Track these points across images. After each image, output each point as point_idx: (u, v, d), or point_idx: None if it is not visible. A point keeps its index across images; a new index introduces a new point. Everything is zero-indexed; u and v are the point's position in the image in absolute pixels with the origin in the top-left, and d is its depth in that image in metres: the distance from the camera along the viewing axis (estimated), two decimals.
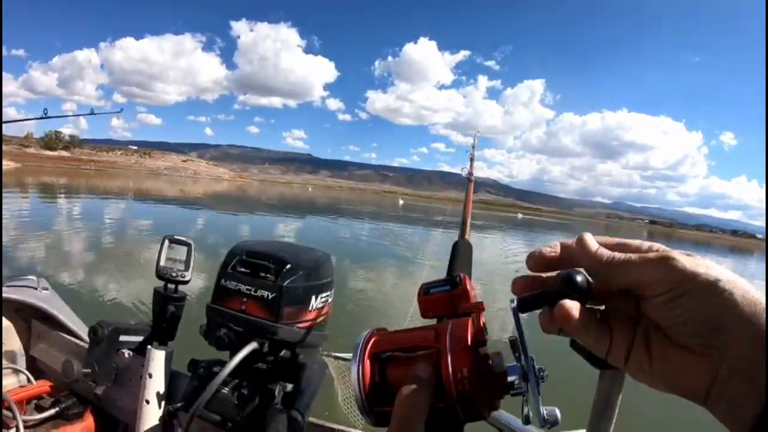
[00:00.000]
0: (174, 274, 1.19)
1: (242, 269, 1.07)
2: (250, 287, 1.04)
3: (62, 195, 25.17)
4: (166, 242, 1.21)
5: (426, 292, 0.51)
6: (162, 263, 1.20)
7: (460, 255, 1.07)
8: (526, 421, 0.40)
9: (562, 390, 3.94)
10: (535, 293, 0.40)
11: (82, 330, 1.48)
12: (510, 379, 0.42)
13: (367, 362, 0.44)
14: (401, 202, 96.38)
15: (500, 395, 0.43)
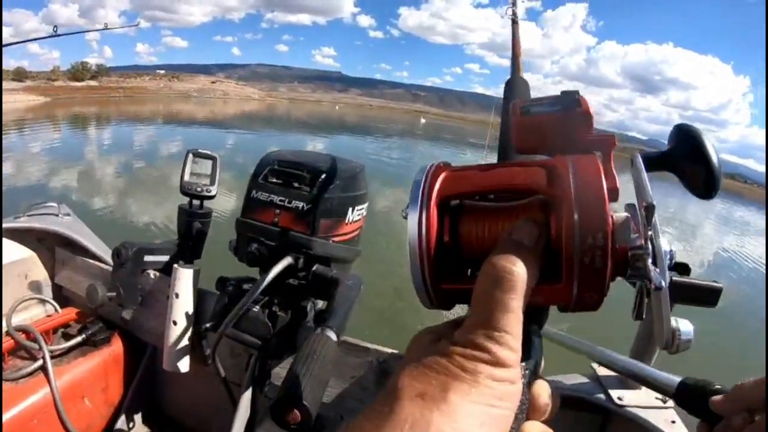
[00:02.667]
0: (199, 189, 1.12)
1: (274, 179, 0.98)
2: (283, 198, 0.96)
3: (91, 124, 25.23)
4: (190, 156, 1.13)
5: (526, 111, 0.35)
6: (186, 178, 1.12)
7: (518, 96, 0.70)
8: (638, 316, 0.31)
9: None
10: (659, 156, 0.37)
11: (106, 253, 1.43)
12: (634, 254, 0.29)
13: (434, 211, 0.30)
14: (423, 121, 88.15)
15: (613, 278, 0.31)
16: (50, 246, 1.52)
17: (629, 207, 0.30)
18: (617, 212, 0.31)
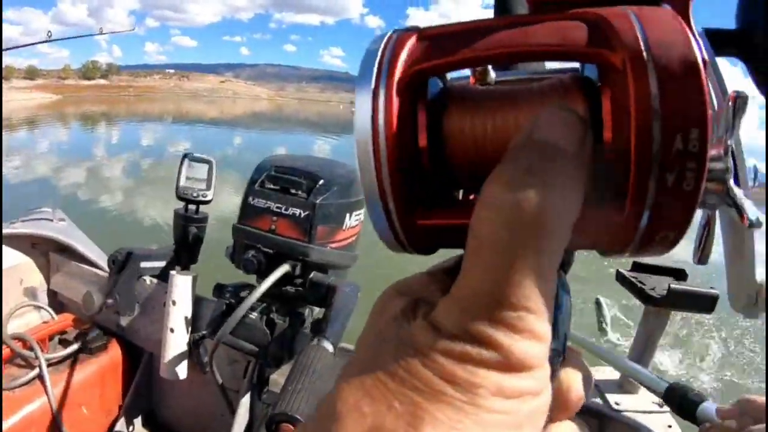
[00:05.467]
0: (195, 194, 1.11)
1: (271, 185, 0.98)
2: (280, 205, 0.95)
3: (102, 122, 25.28)
4: (186, 161, 1.12)
5: None
6: (182, 183, 1.11)
7: None
8: (702, 259, 0.21)
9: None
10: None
11: (102, 259, 1.43)
12: (712, 169, 0.18)
13: (396, 97, 0.18)
14: None
15: None
16: (45, 251, 1.51)
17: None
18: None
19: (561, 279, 0.21)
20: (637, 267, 1.18)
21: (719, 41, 0.24)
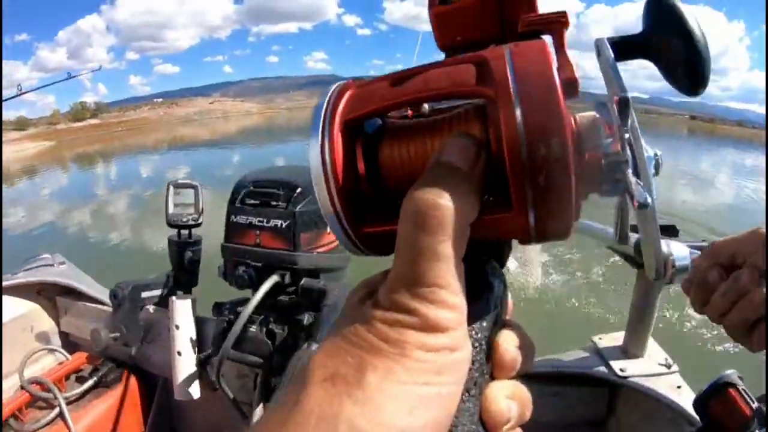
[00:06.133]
0: (185, 220, 1.14)
1: (251, 201, 1.01)
2: (261, 219, 0.98)
3: (98, 161, 25.32)
4: (171, 188, 1.16)
5: None
6: (171, 211, 1.15)
7: None
8: (622, 239, 0.24)
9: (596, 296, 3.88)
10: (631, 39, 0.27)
11: (106, 295, 1.46)
12: (609, 162, 0.24)
13: (338, 136, 0.24)
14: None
15: (583, 193, 0.26)
16: (51, 296, 1.55)
17: (598, 106, 0.24)
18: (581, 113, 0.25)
19: (493, 266, 0.26)
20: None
21: (624, 48, 0.27)
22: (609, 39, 0.27)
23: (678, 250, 0.20)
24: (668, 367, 1.10)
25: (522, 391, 0.24)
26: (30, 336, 1.48)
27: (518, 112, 0.20)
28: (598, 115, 0.24)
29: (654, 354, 1.14)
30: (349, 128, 0.24)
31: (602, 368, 1.11)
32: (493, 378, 0.24)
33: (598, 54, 0.26)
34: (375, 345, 0.19)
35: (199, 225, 1.16)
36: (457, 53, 0.26)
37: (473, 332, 0.23)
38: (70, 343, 1.54)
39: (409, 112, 0.28)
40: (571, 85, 0.22)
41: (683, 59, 0.27)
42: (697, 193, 11.43)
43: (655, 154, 0.25)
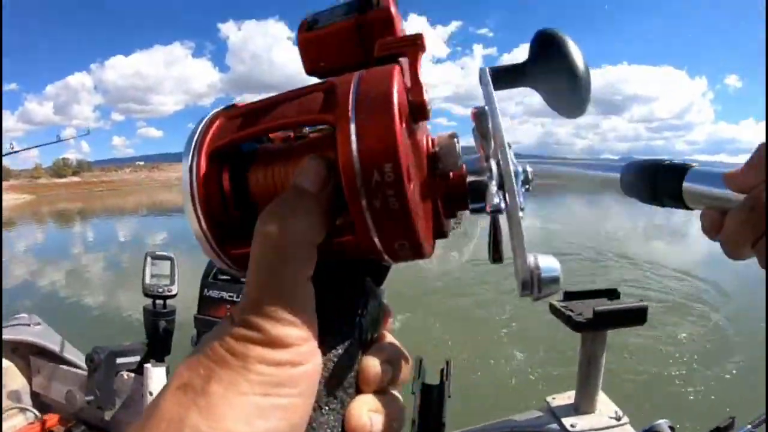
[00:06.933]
0: (160, 290, 1.19)
1: (223, 276, 1.07)
2: (232, 294, 1.05)
3: (77, 220, 24.82)
4: (149, 259, 1.21)
5: (312, 24, 0.28)
6: (147, 281, 1.20)
7: None
8: (496, 257, 0.24)
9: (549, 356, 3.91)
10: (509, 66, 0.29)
11: (80, 359, 1.49)
12: (471, 180, 0.26)
13: (204, 161, 0.25)
14: None
15: (451, 212, 0.27)
16: (24, 355, 1.57)
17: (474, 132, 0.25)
18: (441, 134, 0.26)
19: (368, 284, 0.26)
20: (568, 296, 1.21)
21: (506, 76, 0.29)
22: (491, 68, 0.28)
23: (546, 262, 0.19)
24: (618, 419, 1.14)
25: (390, 404, 0.25)
26: (2, 394, 1.49)
27: (353, 139, 0.21)
28: (454, 134, 0.26)
29: (605, 408, 1.18)
30: (215, 155, 0.25)
31: (554, 426, 1.15)
32: (360, 392, 0.24)
33: (480, 81, 0.28)
34: (222, 358, 0.20)
35: (173, 296, 1.21)
36: (324, 77, 0.28)
37: (334, 348, 0.23)
38: (41, 404, 1.55)
39: (291, 134, 0.28)
40: (418, 108, 0.23)
41: (564, 86, 0.29)
42: (674, 245, 11.63)
43: (524, 170, 0.25)
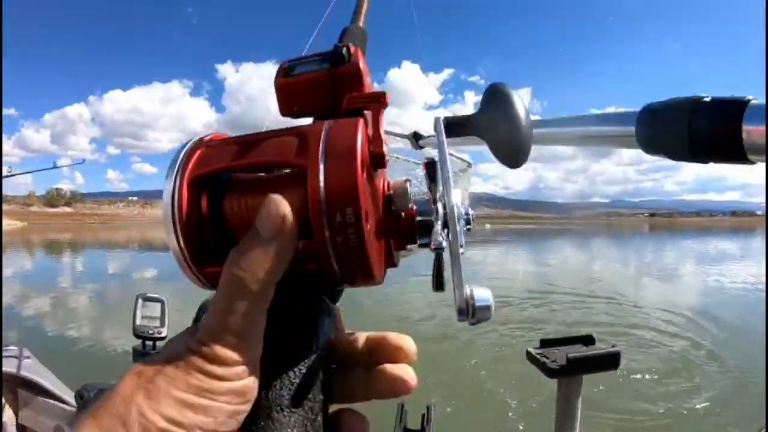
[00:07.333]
0: (150, 332, 1.22)
1: None
2: None
3: (68, 251, 24.96)
4: (140, 301, 1.25)
5: (289, 71, 0.32)
6: (138, 322, 1.23)
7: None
8: (437, 287, 0.28)
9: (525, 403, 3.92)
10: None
11: (67, 394, 1.51)
12: (420, 220, 0.29)
13: (185, 187, 0.27)
14: None
15: (401, 245, 0.31)
16: (13, 388, 1.58)
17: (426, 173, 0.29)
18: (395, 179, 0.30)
19: (322, 302, 0.29)
20: (544, 343, 1.24)
21: (457, 126, 0.32)
22: (444, 118, 0.32)
23: (480, 293, 0.24)
24: None
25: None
26: None
27: (321, 184, 0.24)
28: (407, 180, 0.30)
29: None
30: (196, 182, 0.27)
31: None
32: (329, 400, 0.28)
33: (435, 129, 0.31)
34: (172, 359, 0.25)
35: (163, 338, 1.24)
36: (297, 117, 0.32)
37: (295, 363, 0.27)
38: None
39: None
40: (378, 158, 0.27)
41: (507, 141, 0.31)
42: (665, 284, 11.70)
43: (467, 212, 0.29)
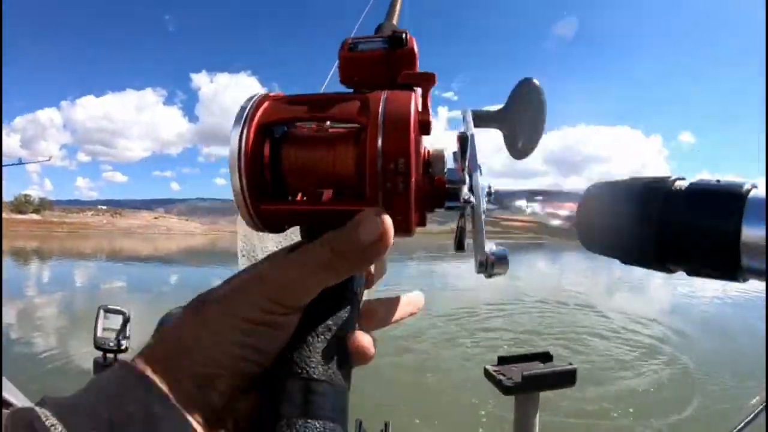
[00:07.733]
0: (111, 344, 1.18)
1: None
2: None
3: (33, 260, 24.20)
4: (102, 312, 1.20)
5: (353, 47, 0.36)
6: (99, 334, 1.18)
7: None
8: (459, 247, 0.33)
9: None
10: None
11: (26, 403, 1.46)
12: (450, 186, 0.34)
13: (253, 131, 0.30)
14: None
15: (431, 208, 0.34)
16: None
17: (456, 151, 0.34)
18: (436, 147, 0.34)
19: (355, 284, 0.34)
20: (501, 360, 1.24)
21: (484, 117, 0.39)
22: (473, 111, 0.38)
23: (499, 249, 0.30)
24: None
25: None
26: None
27: (380, 139, 0.29)
28: (444, 149, 0.34)
29: None
30: (261, 129, 0.31)
31: None
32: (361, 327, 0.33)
33: (463, 119, 0.37)
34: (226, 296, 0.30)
35: (125, 351, 1.18)
36: (354, 89, 0.36)
37: (328, 319, 0.31)
38: None
39: (314, 126, 0.35)
40: (425, 126, 0.31)
41: (526, 134, 0.38)
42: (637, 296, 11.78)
43: (489, 186, 0.35)
